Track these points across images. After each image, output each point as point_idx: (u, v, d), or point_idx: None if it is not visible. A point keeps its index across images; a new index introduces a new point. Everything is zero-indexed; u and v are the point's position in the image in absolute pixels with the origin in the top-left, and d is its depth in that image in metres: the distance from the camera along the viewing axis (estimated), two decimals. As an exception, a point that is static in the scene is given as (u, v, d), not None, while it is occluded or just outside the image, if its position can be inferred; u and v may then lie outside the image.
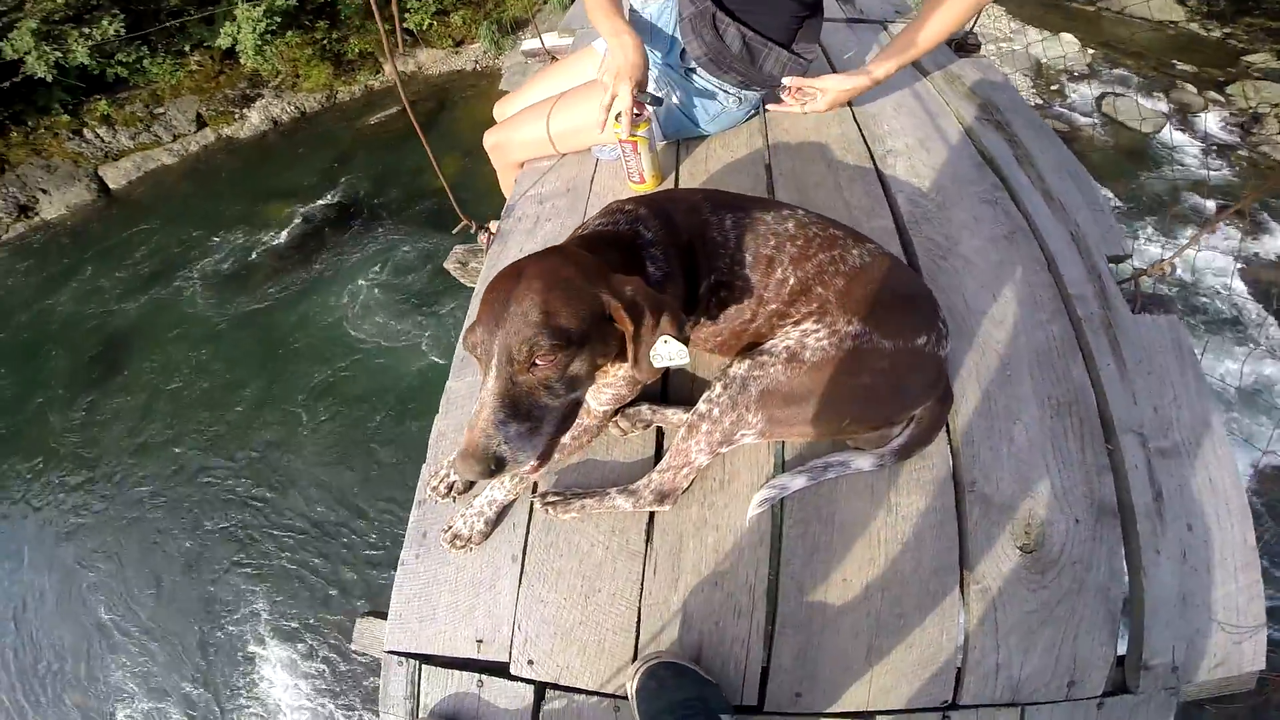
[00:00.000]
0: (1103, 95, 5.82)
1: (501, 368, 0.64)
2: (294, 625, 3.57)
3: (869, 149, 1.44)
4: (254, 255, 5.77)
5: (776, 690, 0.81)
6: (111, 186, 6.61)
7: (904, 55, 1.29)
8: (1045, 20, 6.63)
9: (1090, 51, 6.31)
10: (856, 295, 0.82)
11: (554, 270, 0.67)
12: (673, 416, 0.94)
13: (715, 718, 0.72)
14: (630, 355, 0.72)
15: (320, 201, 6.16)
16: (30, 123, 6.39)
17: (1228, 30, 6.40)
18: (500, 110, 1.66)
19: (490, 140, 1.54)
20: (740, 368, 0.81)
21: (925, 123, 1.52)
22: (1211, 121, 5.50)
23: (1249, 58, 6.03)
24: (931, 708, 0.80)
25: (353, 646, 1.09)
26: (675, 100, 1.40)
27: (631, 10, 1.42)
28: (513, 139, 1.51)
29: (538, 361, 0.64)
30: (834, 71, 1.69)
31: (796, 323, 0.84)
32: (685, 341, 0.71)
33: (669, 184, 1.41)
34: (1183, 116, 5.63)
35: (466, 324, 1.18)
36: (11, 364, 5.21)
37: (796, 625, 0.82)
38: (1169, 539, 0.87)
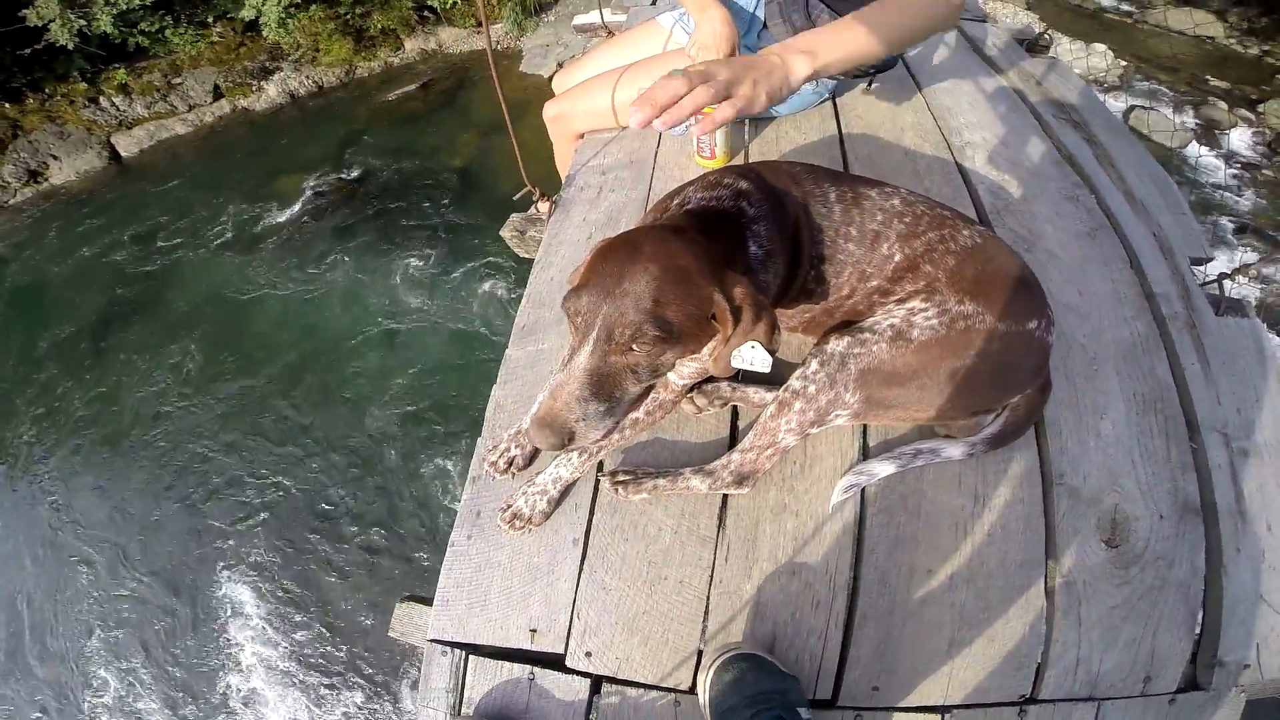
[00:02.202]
0: (1131, 108, 5.77)
1: (599, 344, 0.63)
2: (303, 604, 3.53)
3: (946, 140, 1.42)
4: (262, 226, 5.69)
5: (853, 684, 0.78)
6: (123, 154, 6.57)
7: (842, 48, 0.85)
8: (1080, 29, 6.55)
9: (1123, 63, 6.26)
10: (969, 275, 0.79)
11: (672, 256, 0.64)
12: (753, 395, 0.90)
13: (794, 712, 0.69)
14: (715, 352, 0.70)
15: (334, 176, 6.09)
16: (47, 90, 6.34)
17: (1266, 48, 6.34)
18: (560, 82, 1.64)
19: (552, 111, 1.51)
20: (839, 344, 0.78)
21: (1001, 118, 1.50)
22: (1239, 139, 5.46)
23: (1286, 76, 5.97)
24: (1009, 702, 0.78)
25: (390, 633, 1.03)
26: None
27: None
28: (576, 109, 1.48)
29: (635, 347, 0.63)
30: (908, 71, 1.65)
31: (901, 300, 0.80)
32: (773, 353, 0.69)
33: (738, 163, 1.38)
34: (1210, 133, 5.59)
35: (526, 280, 1.18)
36: (11, 325, 5.19)
37: (877, 617, 0.80)
38: (1249, 538, 0.86)
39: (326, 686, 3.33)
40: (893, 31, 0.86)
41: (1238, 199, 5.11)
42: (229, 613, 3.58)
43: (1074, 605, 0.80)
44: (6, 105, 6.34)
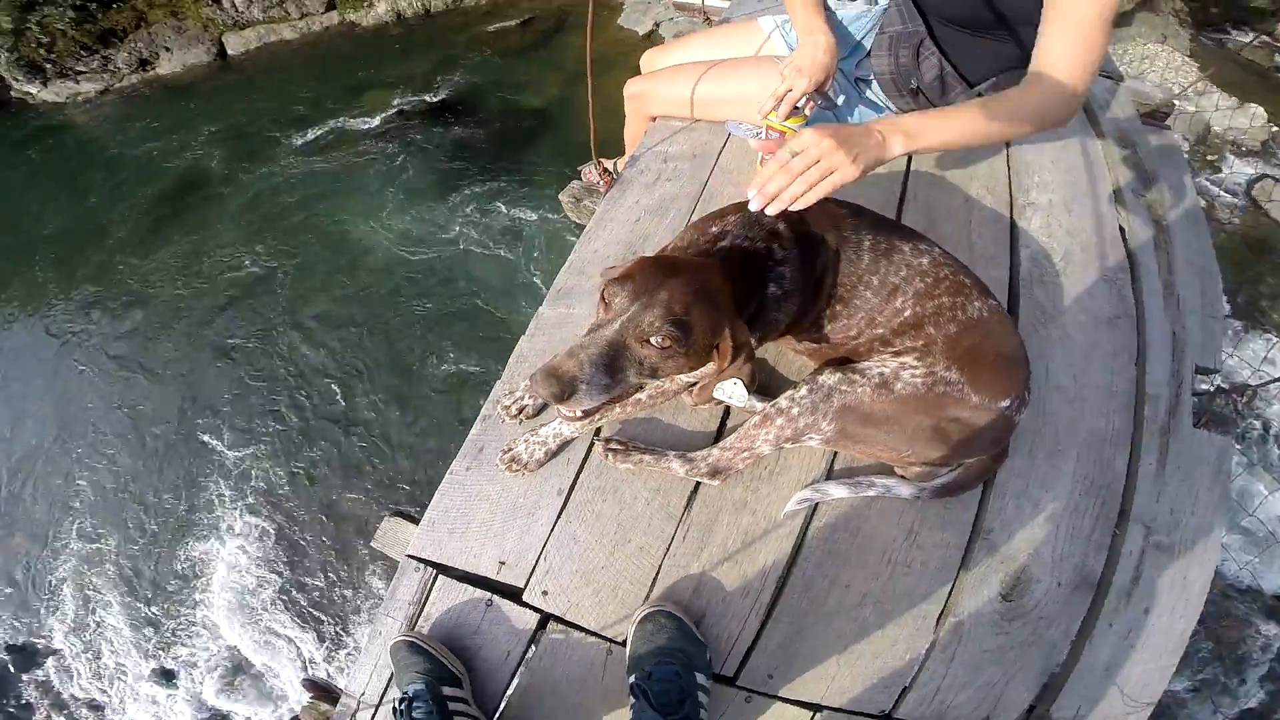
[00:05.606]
0: (1260, 178, 5.25)
1: (625, 326, 0.71)
2: (295, 494, 3.83)
3: (1010, 195, 1.42)
4: (342, 135, 5.93)
5: (754, 668, 0.90)
6: (230, 53, 6.90)
7: (942, 136, 0.88)
8: (1239, 85, 5.84)
9: (1274, 129, 5.62)
10: (964, 346, 0.86)
11: (707, 285, 0.75)
12: (745, 402, 1.00)
13: (692, 675, 0.80)
14: (702, 380, 0.81)
15: (420, 97, 6.25)
16: (178, -16, 6.62)
17: None
18: (648, 61, 1.64)
19: (633, 88, 1.54)
20: (831, 378, 0.87)
21: (1077, 184, 1.47)
22: (1366, 231, 4.94)
23: None
24: (870, 713, 0.89)
25: (372, 543, 1.14)
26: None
27: (825, 5, 1.33)
28: (657, 92, 1.50)
29: (653, 341, 0.72)
30: None
31: (897, 353, 0.88)
32: (748, 391, 0.80)
33: None
34: (1336, 217, 5.07)
35: (560, 254, 1.26)
36: (90, 194, 5.61)
37: (792, 616, 0.91)
38: (1125, 617, 0.95)
39: (295, 573, 3.62)
40: (998, 127, 0.89)
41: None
42: (219, 482, 3.91)
43: (953, 643, 0.91)
44: (138, -3, 6.60)
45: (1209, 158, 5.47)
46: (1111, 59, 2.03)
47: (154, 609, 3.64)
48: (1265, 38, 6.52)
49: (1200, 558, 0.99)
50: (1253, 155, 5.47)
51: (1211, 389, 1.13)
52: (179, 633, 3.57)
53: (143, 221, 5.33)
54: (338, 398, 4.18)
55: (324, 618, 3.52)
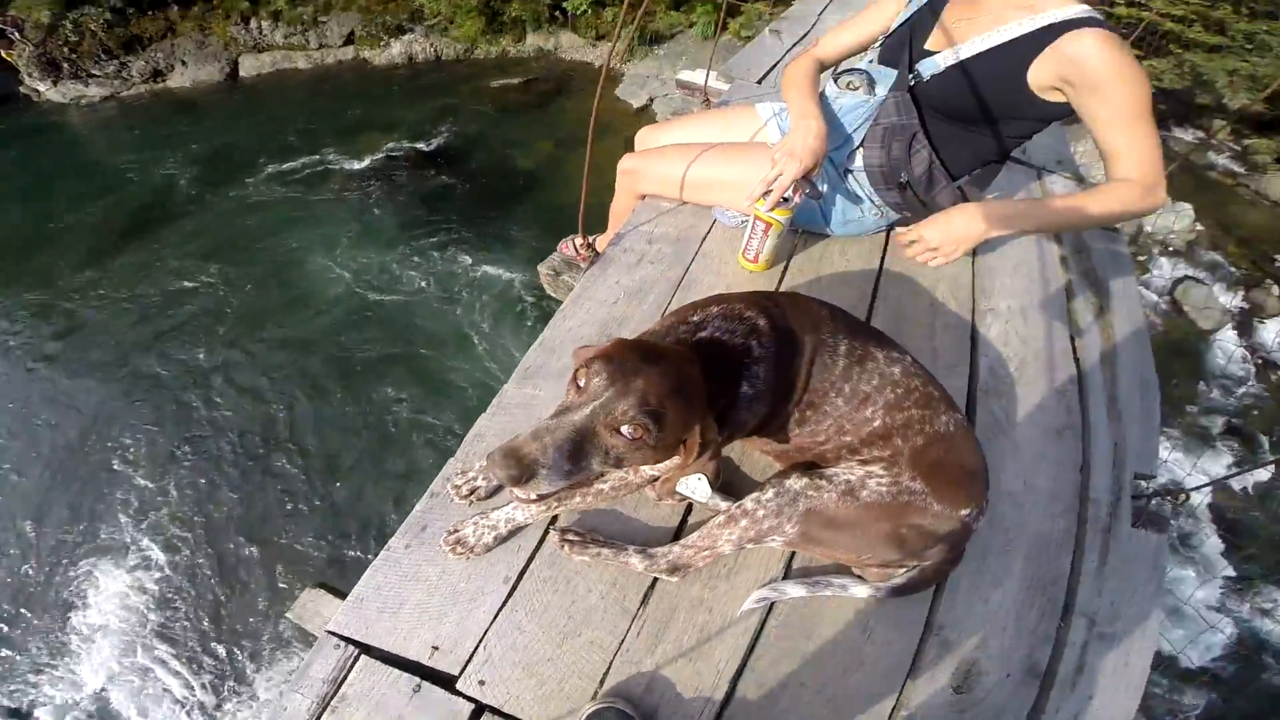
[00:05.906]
0: (1182, 279, 5.57)
1: (596, 411, 0.69)
2: (208, 551, 3.52)
3: (973, 301, 1.48)
4: (329, 172, 5.94)
5: None
6: (241, 74, 7.02)
7: (1035, 221, 1.22)
8: (1175, 184, 6.33)
9: (1199, 228, 5.99)
10: (930, 459, 0.88)
11: (684, 378, 0.75)
12: (709, 500, 1.00)
13: None
14: (666, 475, 0.82)
15: (412, 144, 6.34)
16: (213, 1, 6.78)
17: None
18: (643, 138, 1.67)
19: (627, 164, 1.56)
20: (797, 483, 0.88)
21: (1034, 290, 1.55)
22: (1274, 332, 5.20)
23: (1370, 264, 5.64)
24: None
25: (288, 615, 1.05)
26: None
27: (822, 95, 1.39)
28: (650, 170, 1.52)
29: (622, 431, 0.69)
30: None
31: (864, 461, 0.90)
32: (711, 489, 0.83)
33: (776, 272, 1.46)
34: (1250, 319, 5.39)
35: (544, 308, 1.27)
36: (60, 200, 5.42)
37: (745, 714, 0.88)
38: (1071, 703, 0.96)
39: (192, 622, 3.27)
40: (1095, 217, 1.16)
41: (1240, 395, 4.89)
42: (125, 510, 3.57)
43: (904, 734, 0.89)
44: (175, 8, 6.62)
45: (1139, 258, 5.76)
46: (1073, 159, 2.17)
47: (22, 638, 3.25)
48: (1201, 134, 6.91)
49: (1139, 644, 1.03)
50: (1179, 255, 5.80)
51: (1148, 492, 1.19)
52: (44, 668, 3.19)
53: (98, 231, 5.17)
54: (268, 438, 3.95)
55: (217, 677, 3.20)
